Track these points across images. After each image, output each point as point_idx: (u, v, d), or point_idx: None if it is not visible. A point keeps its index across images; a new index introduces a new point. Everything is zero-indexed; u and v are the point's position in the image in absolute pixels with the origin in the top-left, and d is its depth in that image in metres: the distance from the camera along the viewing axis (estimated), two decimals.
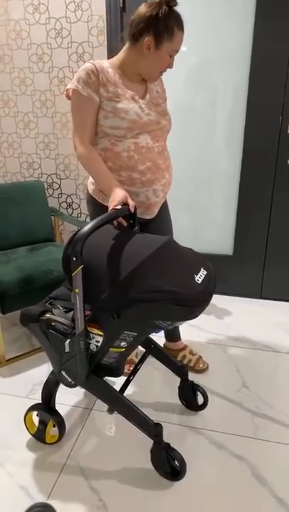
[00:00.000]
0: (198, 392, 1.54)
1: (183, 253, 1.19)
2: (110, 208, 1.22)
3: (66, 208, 2.67)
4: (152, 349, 1.47)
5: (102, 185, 1.34)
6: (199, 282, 1.09)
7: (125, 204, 1.25)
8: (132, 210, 1.26)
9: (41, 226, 2.33)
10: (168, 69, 1.39)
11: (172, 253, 1.16)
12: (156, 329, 1.16)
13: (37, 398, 1.60)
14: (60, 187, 2.63)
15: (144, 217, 1.51)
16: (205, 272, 1.14)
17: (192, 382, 1.52)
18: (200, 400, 1.55)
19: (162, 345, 1.86)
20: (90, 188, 1.52)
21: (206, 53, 2.20)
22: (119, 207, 1.22)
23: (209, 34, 2.17)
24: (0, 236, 2.17)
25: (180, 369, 1.49)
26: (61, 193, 2.65)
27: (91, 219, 1.47)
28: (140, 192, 1.43)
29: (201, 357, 1.82)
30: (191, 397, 1.54)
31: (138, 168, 1.39)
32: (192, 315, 1.05)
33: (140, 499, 1.19)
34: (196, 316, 1.07)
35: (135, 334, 1.16)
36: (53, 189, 2.65)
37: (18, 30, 2.35)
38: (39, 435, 1.39)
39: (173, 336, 1.82)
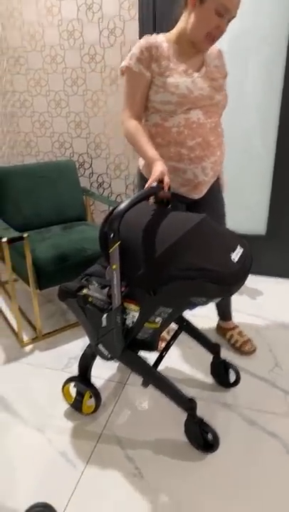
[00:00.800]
0: (231, 370, 1.55)
1: (219, 231, 1.18)
2: (146, 185, 1.22)
3: (97, 188, 2.69)
4: (184, 326, 1.48)
5: (145, 158, 1.34)
6: (236, 260, 1.08)
7: (161, 181, 1.24)
8: (166, 188, 1.25)
9: (73, 205, 2.36)
10: (221, 34, 1.29)
11: (208, 231, 1.15)
12: (192, 306, 1.17)
13: (72, 371, 1.66)
14: (91, 166, 2.64)
15: (191, 197, 1.49)
16: (241, 250, 1.13)
17: (224, 359, 1.53)
18: (232, 377, 1.56)
19: (216, 324, 1.91)
20: (141, 163, 1.53)
21: (243, 29, 2.11)
22: (154, 184, 1.22)
23: (247, 9, 2.07)
24: (34, 214, 2.21)
25: (212, 346, 1.50)
26: (92, 173, 2.66)
27: None
28: (188, 169, 1.41)
29: (249, 339, 1.79)
30: (223, 374, 1.56)
31: (187, 143, 1.37)
32: (228, 293, 1.06)
33: (174, 468, 1.23)
34: (232, 294, 1.07)
35: (170, 310, 1.18)
36: (84, 168, 2.66)
37: (49, 6, 2.33)
38: (76, 405, 1.45)
39: (224, 315, 1.84)
